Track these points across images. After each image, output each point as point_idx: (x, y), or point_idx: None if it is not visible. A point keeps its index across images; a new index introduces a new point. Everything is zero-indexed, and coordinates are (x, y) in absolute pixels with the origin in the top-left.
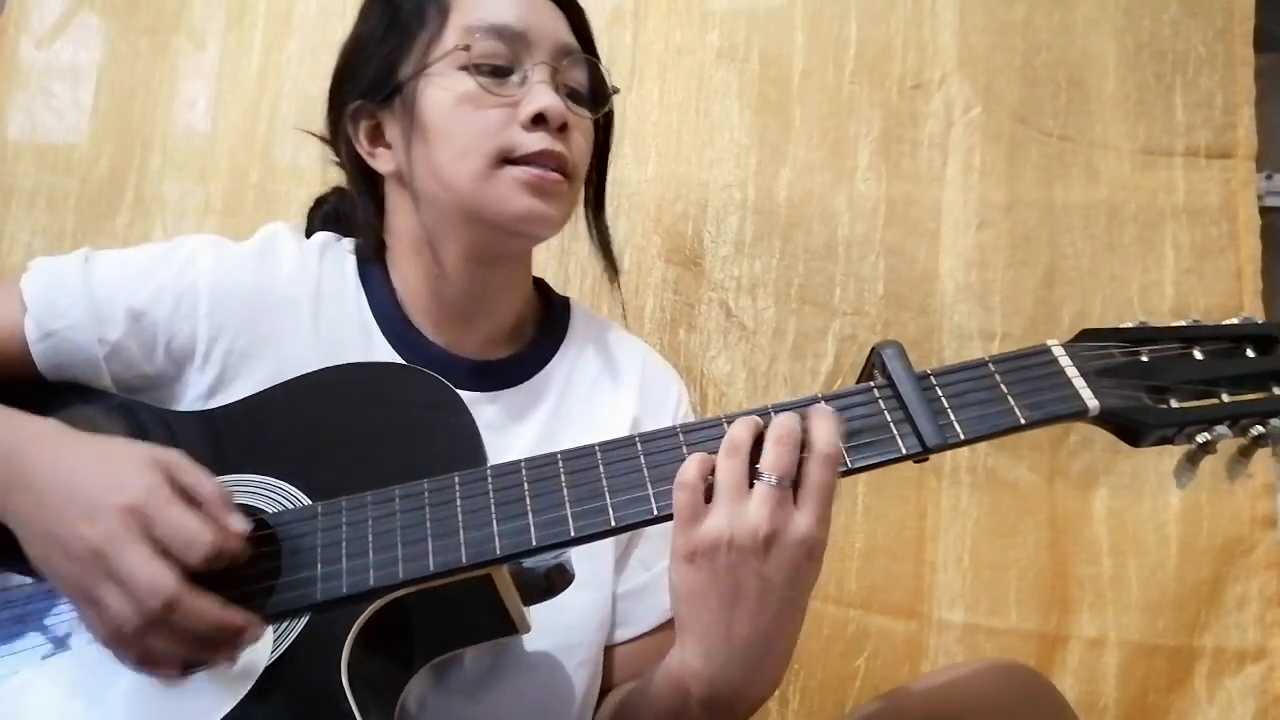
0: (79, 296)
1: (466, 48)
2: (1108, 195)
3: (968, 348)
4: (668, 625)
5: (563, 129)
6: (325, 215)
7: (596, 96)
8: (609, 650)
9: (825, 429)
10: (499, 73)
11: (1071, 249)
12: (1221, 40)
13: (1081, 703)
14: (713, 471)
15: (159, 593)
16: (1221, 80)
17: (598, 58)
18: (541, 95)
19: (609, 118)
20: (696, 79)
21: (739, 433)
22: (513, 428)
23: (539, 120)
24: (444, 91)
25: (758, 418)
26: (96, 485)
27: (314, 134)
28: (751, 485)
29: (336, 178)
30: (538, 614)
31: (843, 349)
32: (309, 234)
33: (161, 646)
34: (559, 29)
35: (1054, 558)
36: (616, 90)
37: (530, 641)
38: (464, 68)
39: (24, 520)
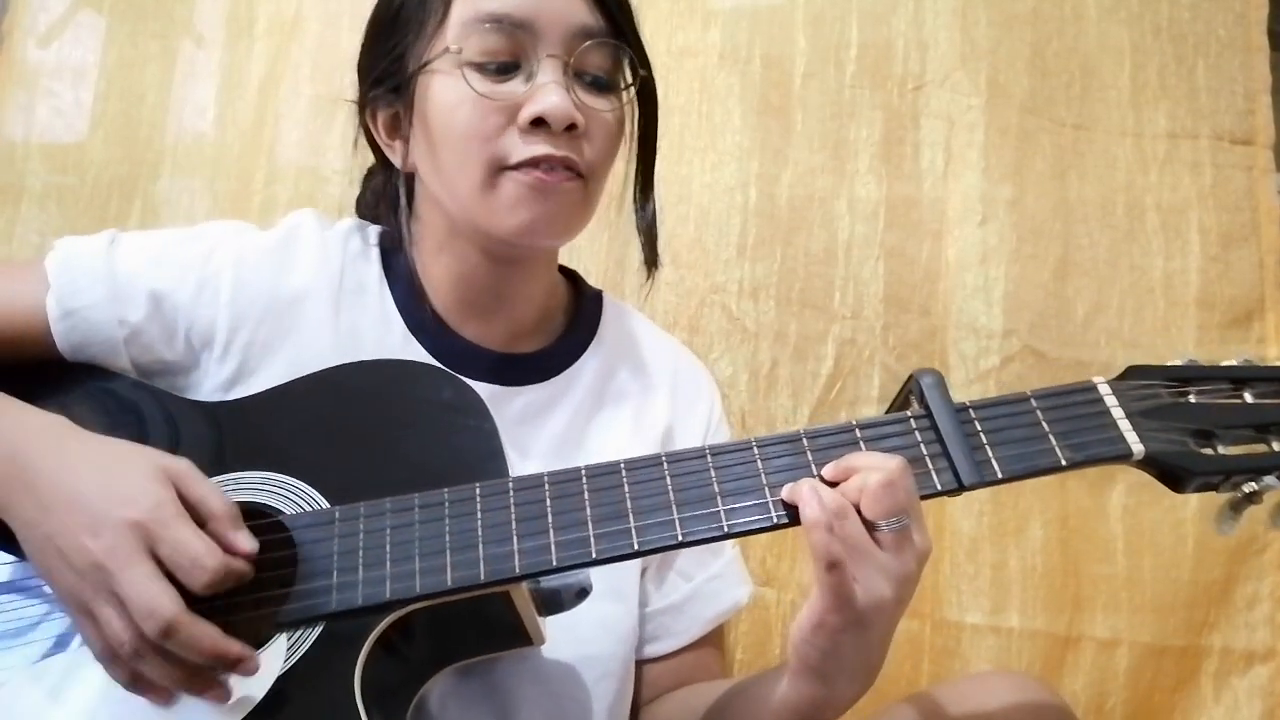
0: (101, 276)
1: (459, 49)
2: (1126, 182)
3: (970, 347)
4: (706, 639)
5: (572, 128)
6: (374, 189)
7: (625, 83)
8: (642, 664)
9: (879, 456)
10: (503, 68)
11: (1087, 239)
12: (1241, 25)
13: (1090, 704)
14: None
15: (157, 616)
16: (1242, 65)
17: (629, 37)
18: (544, 96)
19: (649, 98)
20: (699, 80)
21: (838, 499)
22: (537, 424)
23: (539, 124)
24: (444, 91)
25: (815, 476)
26: (102, 495)
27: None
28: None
29: (340, 183)
30: (555, 629)
31: (842, 352)
32: (360, 202)
33: (154, 672)
34: (575, 10)
35: (1065, 556)
36: (647, 75)
37: (549, 654)
38: (464, 65)
39: (26, 522)
